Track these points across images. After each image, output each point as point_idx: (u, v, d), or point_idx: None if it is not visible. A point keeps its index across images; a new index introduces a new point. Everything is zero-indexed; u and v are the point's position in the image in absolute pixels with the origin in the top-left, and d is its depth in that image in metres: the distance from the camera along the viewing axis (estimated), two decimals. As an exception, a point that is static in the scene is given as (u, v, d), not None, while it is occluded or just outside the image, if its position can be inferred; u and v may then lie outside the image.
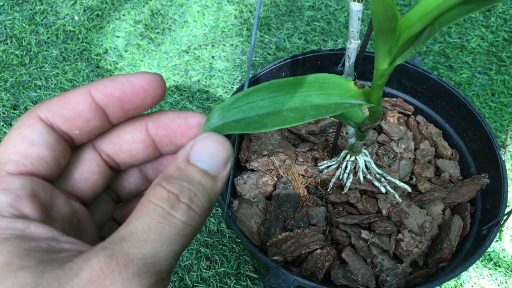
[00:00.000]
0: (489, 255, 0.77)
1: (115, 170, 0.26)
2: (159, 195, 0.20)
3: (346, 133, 0.63)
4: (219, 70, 1.02)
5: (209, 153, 0.22)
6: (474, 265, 0.76)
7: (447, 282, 0.74)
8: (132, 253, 0.18)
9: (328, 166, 0.60)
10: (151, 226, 0.19)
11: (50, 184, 0.22)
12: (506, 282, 0.75)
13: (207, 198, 0.21)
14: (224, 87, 0.99)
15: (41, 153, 0.21)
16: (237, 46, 1.07)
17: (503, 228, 0.80)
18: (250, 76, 0.65)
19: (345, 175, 0.58)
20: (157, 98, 0.24)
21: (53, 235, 0.19)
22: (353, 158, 0.57)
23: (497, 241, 0.79)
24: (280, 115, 0.27)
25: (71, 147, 0.23)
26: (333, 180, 0.59)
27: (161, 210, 0.20)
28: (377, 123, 0.43)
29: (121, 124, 0.25)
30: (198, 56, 1.05)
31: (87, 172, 0.24)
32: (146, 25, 1.11)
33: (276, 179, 0.61)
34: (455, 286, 0.74)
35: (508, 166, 0.87)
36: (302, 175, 0.61)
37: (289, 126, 0.31)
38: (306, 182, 0.60)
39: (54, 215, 0.21)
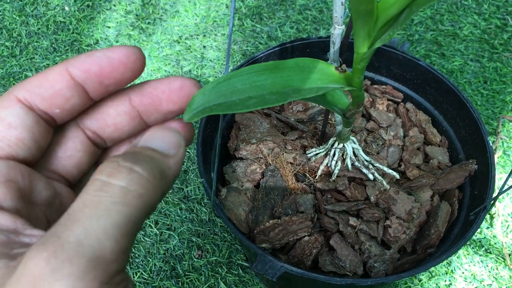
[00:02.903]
0: (480, 241, 0.78)
1: (101, 148, 0.26)
2: (99, 170, 0.19)
3: (335, 120, 0.63)
4: (210, 60, 1.02)
5: (157, 137, 0.22)
6: (465, 252, 0.76)
7: (438, 269, 0.75)
8: (63, 237, 0.16)
9: (317, 154, 0.60)
10: (87, 202, 0.17)
11: (29, 167, 0.22)
12: (496, 268, 0.75)
13: (156, 166, 0.20)
14: (216, 76, 0.99)
15: (19, 135, 0.21)
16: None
17: (494, 215, 0.80)
18: (239, 64, 0.65)
19: (333, 162, 0.58)
20: (136, 71, 0.23)
21: (16, 227, 0.19)
22: (341, 145, 0.57)
23: (488, 228, 0.79)
24: (262, 98, 0.27)
25: (53, 127, 0.23)
26: (322, 167, 0.59)
27: (98, 183, 0.18)
28: (360, 109, 0.43)
29: (104, 99, 0.24)
30: (190, 46, 1.04)
31: (70, 150, 0.24)
32: (137, 15, 1.10)
33: (264, 167, 0.61)
34: (446, 273, 0.74)
35: (499, 153, 0.87)
36: (291, 163, 0.61)
37: (271, 106, 0.31)
38: (295, 170, 0.60)
39: (34, 200, 0.21)
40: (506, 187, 0.52)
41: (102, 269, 0.16)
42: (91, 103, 0.24)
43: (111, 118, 0.24)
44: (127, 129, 0.25)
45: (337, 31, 0.45)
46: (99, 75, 0.22)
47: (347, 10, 0.46)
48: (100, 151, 0.26)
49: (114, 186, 0.18)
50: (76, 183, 0.25)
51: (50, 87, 0.22)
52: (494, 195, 0.53)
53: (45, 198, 0.22)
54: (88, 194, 0.18)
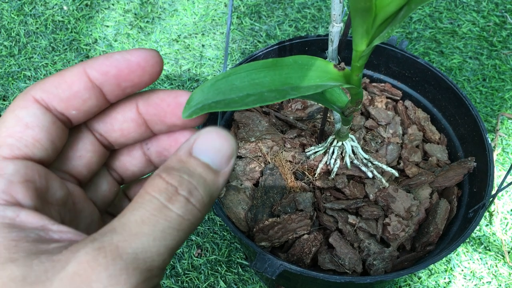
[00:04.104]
0: (479, 239, 0.78)
1: (110, 149, 0.26)
2: (157, 186, 0.19)
3: (333, 118, 0.63)
4: (209, 59, 1.02)
5: (212, 147, 0.21)
6: (464, 250, 0.76)
7: (437, 267, 0.75)
8: (121, 247, 0.17)
9: (315, 152, 0.60)
10: (145, 219, 0.18)
11: (45, 167, 0.22)
12: (496, 265, 0.75)
13: (207, 192, 0.20)
14: (215, 75, 0.99)
15: (36, 135, 0.21)
16: (228, 34, 1.06)
17: (493, 213, 0.80)
18: (237, 63, 0.65)
19: (332, 160, 0.58)
20: (154, 75, 0.23)
21: (44, 224, 0.19)
22: (340, 143, 0.57)
23: (487, 225, 0.79)
24: (261, 96, 0.27)
25: (69, 128, 0.23)
26: (320, 165, 0.59)
27: (157, 202, 0.19)
28: (359, 106, 0.43)
29: (113, 102, 0.24)
30: (188, 45, 1.04)
31: (81, 150, 0.24)
32: (135, 14, 1.10)
33: (263, 166, 0.61)
34: (445, 271, 0.74)
35: (498, 150, 0.87)
36: (290, 161, 0.61)
37: (270, 103, 0.31)
38: (294, 168, 0.60)
39: (50, 200, 0.21)
40: (504, 184, 0.52)
41: (150, 281, 0.18)
42: (108, 105, 0.24)
43: (118, 124, 0.24)
44: (133, 136, 0.25)
45: (335, 29, 0.45)
46: (117, 78, 0.22)
47: (345, 8, 0.46)
48: (109, 152, 0.26)
49: (172, 212, 0.19)
50: (86, 182, 0.25)
51: (68, 88, 0.22)
52: (493, 192, 0.53)
53: (60, 198, 0.22)
54: (147, 211, 0.19)
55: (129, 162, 0.27)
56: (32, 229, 0.18)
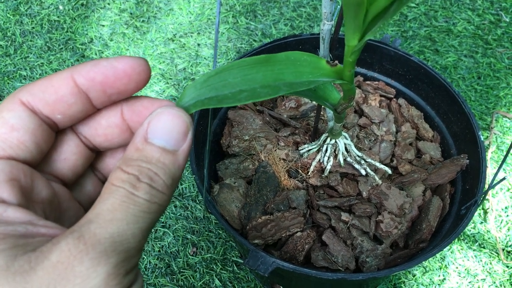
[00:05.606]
0: (473, 236, 0.78)
1: (95, 152, 0.26)
2: (119, 178, 0.20)
3: (327, 116, 0.63)
4: (205, 58, 1.02)
5: (165, 128, 0.22)
6: (459, 247, 0.77)
7: (431, 264, 0.75)
8: (99, 233, 0.18)
9: (309, 150, 0.60)
10: (116, 206, 0.19)
11: (30, 167, 0.22)
12: (490, 263, 0.75)
13: (168, 175, 0.21)
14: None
15: (21, 137, 0.21)
16: (223, 33, 1.06)
17: (487, 210, 0.80)
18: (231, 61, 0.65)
19: (326, 158, 0.58)
20: (140, 83, 0.23)
21: (31, 219, 0.20)
22: (333, 141, 0.57)
23: (482, 223, 0.79)
24: (253, 92, 0.27)
25: (55, 131, 0.23)
26: (314, 163, 0.59)
27: (123, 191, 0.20)
28: (352, 103, 0.43)
29: None
30: (184, 44, 1.04)
31: (66, 152, 0.24)
32: (131, 13, 1.10)
33: (257, 164, 0.61)
34: (440, 268, 0.74)
35: (493, 148, 0.87)
36: (283, 159, 0.61)
37: (263, 99, 0.31)
38: (287, 166, 0.60)
39: (35, 198, 0.22)
40: (496, 180, 0.52)
41: (128, 261, 0.19)
42: (94, 111, 0.24)
43: (102, 129, 0.24)
44: (117, 141, 0.25)
45: (326, 27, 0.45)
46: (103, 84, 0.22)
47: (338, 6, 0.46)
48: (94, 154, 0.26)
49: (139, 198, 0.20)
50: (72, 184, 0.25)
51: (54, 93, 0.22)
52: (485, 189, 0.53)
53: (45, 197, 0.22)
54: (116, 200, 0.20)
55: (113, 164, 0.27)
56: (19, 224, 0.19)
